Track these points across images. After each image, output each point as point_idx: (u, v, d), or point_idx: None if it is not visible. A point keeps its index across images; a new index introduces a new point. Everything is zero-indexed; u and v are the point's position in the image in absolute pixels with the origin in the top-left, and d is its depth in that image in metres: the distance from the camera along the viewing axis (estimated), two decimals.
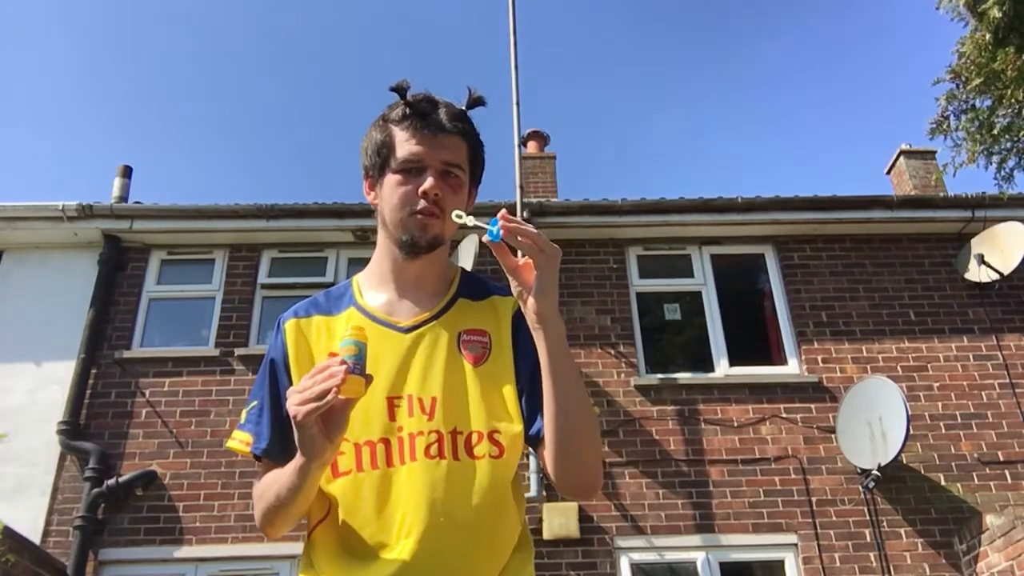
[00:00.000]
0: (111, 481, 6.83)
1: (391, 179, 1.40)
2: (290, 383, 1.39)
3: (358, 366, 1.17)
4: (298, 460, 1.22)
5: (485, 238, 1.24)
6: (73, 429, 7.11)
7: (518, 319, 1.45)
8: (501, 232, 1.22)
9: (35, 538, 6.55)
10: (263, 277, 8.00)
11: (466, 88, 1.46)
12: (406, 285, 1.46)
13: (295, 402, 1.15)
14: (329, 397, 1.12)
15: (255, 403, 1.44)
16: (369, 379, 1.19)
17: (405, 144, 1.38)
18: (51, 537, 6.77)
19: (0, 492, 6.88)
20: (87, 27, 28.81)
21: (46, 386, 7.38)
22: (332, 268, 8.00)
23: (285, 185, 34.93)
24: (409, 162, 1.38)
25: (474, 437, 1.36)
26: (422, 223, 1.38)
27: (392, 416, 1.35)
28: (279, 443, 1.39)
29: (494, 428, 1.37)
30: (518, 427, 1.38)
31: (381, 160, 1.42)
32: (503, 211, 1.24)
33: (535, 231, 1.25)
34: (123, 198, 8.72)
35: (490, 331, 1.45)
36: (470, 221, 1.33)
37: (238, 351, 7.52)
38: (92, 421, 7.24)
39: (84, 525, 6.67)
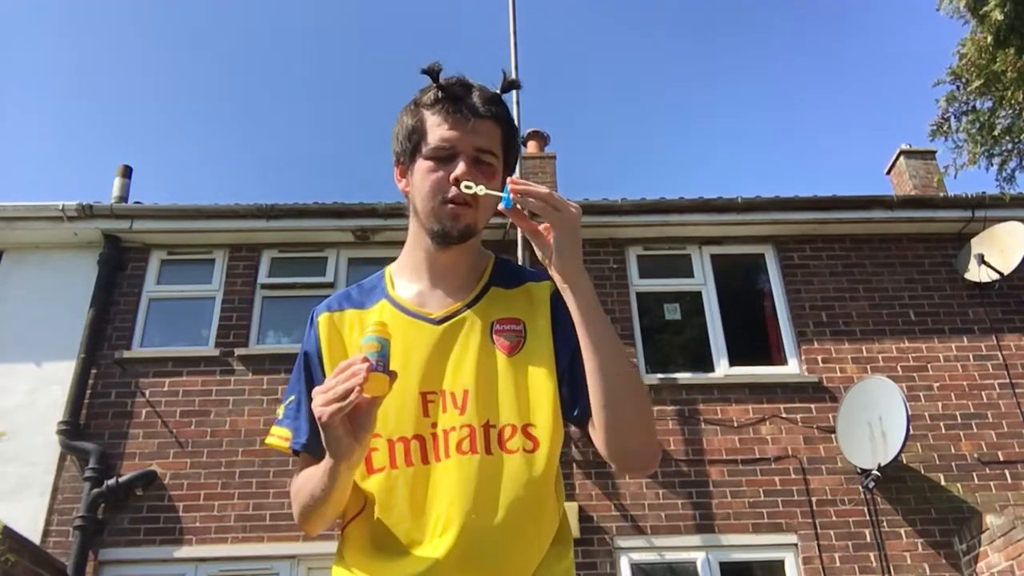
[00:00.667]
0: (111, 481, 6.83)
1: (422, 165, 1.36)
2: (324, 377, 1.33)
3: (381, 363, 1.14)
4: (327, 461, 1.21)
5: (500, 206, 1.25)
6: (73, 429, 7.11)
7: (556, 302, 1.40)
8: (512, 197, 1.21)
9: (35, 538, 6.55)
10: (263, 277, 8.00)
11: (500, 72, 1.42)
12: (438, 275, 1.42)
13: (319, 403, 1.14)
14: (352, 396, 1.11)
15: (292, 398, 1.42)
16: (393, 376, 1.16)
17: (437, 129, 1.34)
18: (51, 537, 6.77)
19: (0, 492, 6.88)
20: (87, 27, 28.81)
21: (46, 386, 7.38)
22: (332, 268, 8.00)
23: (285, 185, 34.93)
24: (441, 148, 1.34)
25: (507, 431, 1.33)
26: (454, 212, 1.34)
27: (426, 411, 1.33)
28: (318, 438, 1.32)
29: (528, 422, 1.34)
30: (556, 419, 1.35)
31: (412, 146, 1.38)
32: (512, 176, 1.26)
33: (546, 191, 1.22)
34: (123, 198, 8.72)
35: (524, 319, 1.41)
36: (480, 190, 1.30)
37: (238, 351, 7.52)
38: (92, 421, 7.24)
39: (84, 525, 6.67)
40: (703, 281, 8.08)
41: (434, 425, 1.33)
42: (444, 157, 1.34)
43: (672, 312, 8.11)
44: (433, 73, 1.36)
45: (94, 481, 6.84)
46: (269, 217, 7.95)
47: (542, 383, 1.36)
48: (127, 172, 8.92)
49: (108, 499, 6.84)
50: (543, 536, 1.35)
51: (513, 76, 1.42)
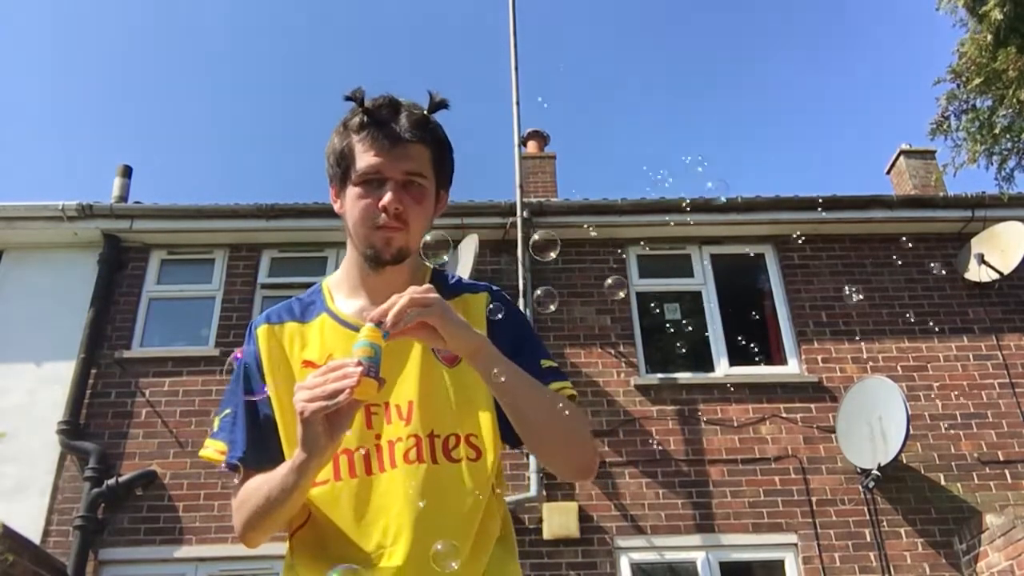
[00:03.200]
0: (111, 481, 6.83)
1: (352, 192, 1.37)
2: (263, 389, 1.39)
3: (373, 369, 1.14)
4: (297, 458, 1.20)
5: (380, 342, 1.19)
6: (73, 429, 7.11)
7: (492, 314, 1.44)
8: (386, 331, 1.18)
9: (35, 538, 6.54)
10: (263, 277, 8.00)
11: (427, 92, 1.41)
12: (376, 292, 1.40)
13: (303, 398, 1.14)
14: (341, 397, 1.11)
15: (228, 411, 1.41)
16: (382, 383, 1.16)
17: (364, 155, 1.35)
18: (51, 537, 6.77)
19: (0, 492, 6.88)
20: (87, 27, 28.80)
21: (46, 386, 7.38)
22: (332, 268, 7.98)
23: (285, 185, 34.92)
24: (368, 174, 1.35)
25: (451, 440, 1.36)
26: (385, 237, 1.35)
27: (369, 424, 1.35)
28: (255, 451, 1.37)
29: (471, 432, 1.37)
30: (494, 428, 1.38)
31: (342, 171, 1.39)
32: (369, 320, 1.19)
33: (403, 301, 1.18)
34: (123, 198, 8.73)
35: None
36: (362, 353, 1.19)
37: (238, 351, 7.51)
38: (92, 421, 7.24)
39: (84, 525, 6.66)
40: (703, 281, 8.08)
41: (378, 437, 1.34)
42: (373, 182, 1.35)
43: (672, 312, 8.10)
44: (357, 99, 1.36)
45: (94, 481, 6.83)
46: (269, 217, 7.95)
47: (482, 394, 1.38)
48: (127, 172, 8.92)
49: (108, 499, 6.83)
50: (490, 536, 1.39)
51: (440, 96, 1.40)
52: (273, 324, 1.44)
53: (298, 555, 1.40)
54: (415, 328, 1.19)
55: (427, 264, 1.47)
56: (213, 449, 1.40)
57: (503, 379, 1.25)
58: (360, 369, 1.11)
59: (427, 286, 1.23)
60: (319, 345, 1.41)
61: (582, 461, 1.39)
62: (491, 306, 1.44)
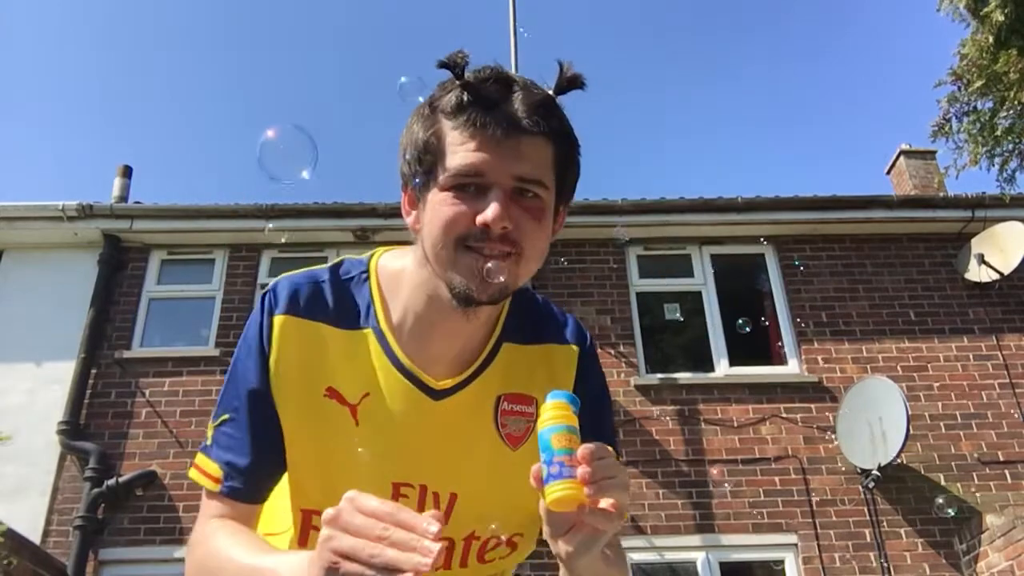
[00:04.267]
0: (111, 481, 6.82)
1: (438, 199, 0.98)
2: (270, 399, 1.06)
3: (563, 471, 0.85)
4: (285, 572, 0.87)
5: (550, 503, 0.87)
6: (73, 429, 7.10)
7: (581, 375, 1.14)
8: (587, 492, 0.85)
9: (35, 538, 6.54)
10: (263, 277, 7.99)
11: (556, 63, 1.02)
12: (446, 335, 1.07)
13: (342, 549, 0.76)
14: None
15: (226, 417, 1.08)
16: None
17: (460, 149, 0.97)
18: (51, 537, 6.77)
19: (0, 492, 6.87)
20: (87, 26, 28.79)
21: (46, 386, 7.37)
22: None
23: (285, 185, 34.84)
24: (465, 175, 0.96)
25: (491, 542, 1.12)
26: (483, 268, 0.96)
27: None
28: (256, 484, 1.07)
29: (517, 531, 1.12)
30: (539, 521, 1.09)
31: (424, 169, 1.00)
32: (585, 450, 0.87)
33: (615, 470, 0.87)
34: (123, 198, 8.72)
35: (538, 397, 1.06)
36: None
37: None
38: (92, 421, 7.24)
39: (84, 525, 6.66)
40: (703, 281, 8.08)
41: None
42: (469, 188, 0.97)
43: (672, 312, 8.10)
44: (456, 67, 0.97)
45: (94, 481, 6.83)
46: (269, 217, 7.95)
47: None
48: (127, 172, 8.92)
49: (108, 499, 6.83)
50: None
51: (573, 70, 1.02)
52: (301, 318, 1.07)
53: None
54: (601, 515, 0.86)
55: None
56: (202, 471, 1.08)
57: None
58: (438, 547, 0.75)
59: (612, 459, 0.89)
60: (355, 374, 1.06)
61: None
62: (579, 372, 1.13)
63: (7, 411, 7.23)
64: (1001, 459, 7.14)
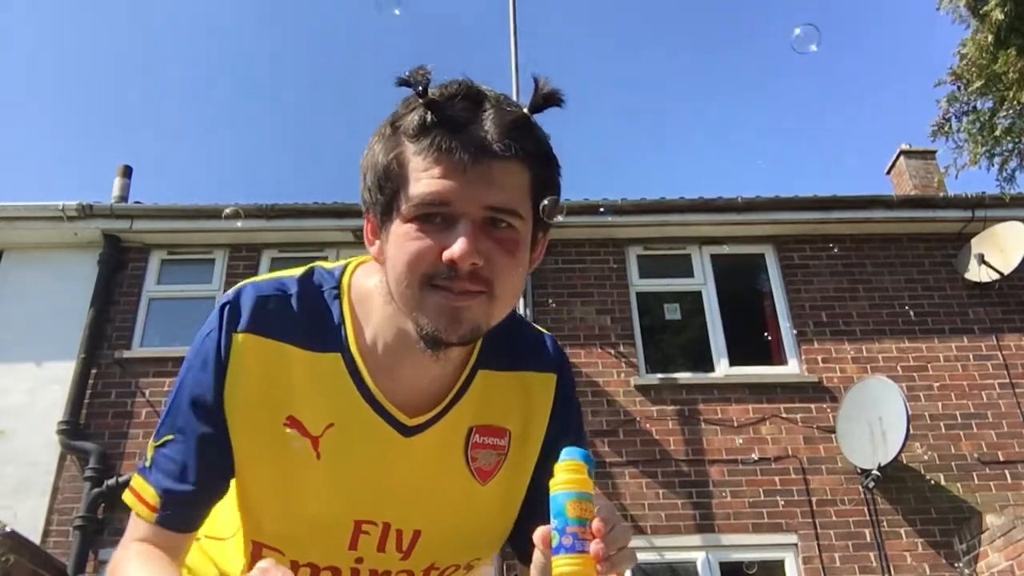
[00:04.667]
0: (111, 481, 6.83)
1: (401, 231, 0.89)
2: (222, 423, 0.97)
3: (577, 545, 0.82)
4: None
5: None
6: (73, 429, 7.10)
7: (558, 406, 1.08)
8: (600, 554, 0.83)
9: (35, 538, 6.54)
10: None
11: (531, 78, 0.92)
12: (417, 368, 0.98)
13: None
14: None
15: (170, 437, 0.98)
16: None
17: (423, 176, 0.87)
18: (51, 537, 6.76)
19: (0, 492, 6.88)
20: (87, 27, 28.81)
21: (46, 386, 7.38)
22: None
23: (285, 185, 34.92)
24: (430, 205, 0.87)
25: (449, 570, 1.08)
26: (451, 308, 0.88)
27: (354, 544, 1.01)
28: (194, 513, 1.00)
29: (477, 556, 1.10)
30: (502, 540, 1.10)
31: (386, 197, 0.91)
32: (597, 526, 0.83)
33: (624, 533, 0.85)
34: (123, 198, 8.72)
35: (512, 428, 1.05)
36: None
37: None
38: (92, 421, 7.24)
39: (84, 525, 6.66)
40: (703, 281, 8.08)
41: (359, 560, 1.03)
42: (435, 219, 0.88)
43: (672, 312, 8.10)
44: (418, 85, 0.87)
45: (94, 481, 6.83)
46: (269, 217, 7.95)
47: (508, 514, 1.07)
48: (127, 172, 8.92)
49: (108, 499, 6.83)
50: None
51: (551, 86, 0.92)
52: (264, 337, 0.96)
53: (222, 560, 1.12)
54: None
55: None
56: (138, 496, 1.00)
57: None
58: None
59: (622, 524, 0.86)
60: (319, 403, 0.98)
61: None
62: (556, 404, 1.08)
63: (7, 411, 7.23)
64: (1001, 459, 7.14)
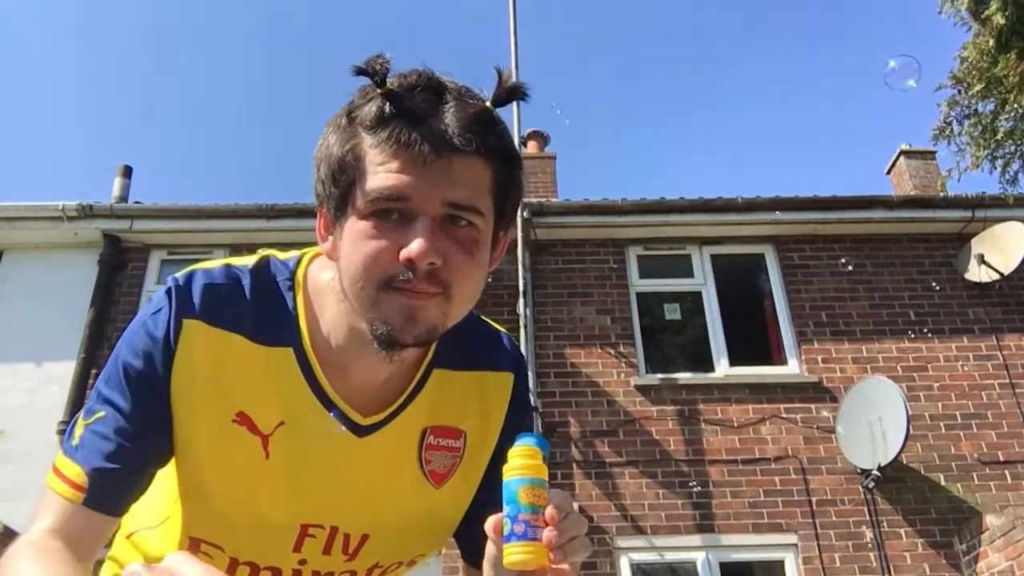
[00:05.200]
0: None
1: (356, 228, 0.86)
2: (165, 408, 0.92)
3: (530, 533, 0.81)
4: None
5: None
6: None
7: (514, 405, 1.07)
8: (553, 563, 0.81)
9: None
10: None
11: (494, 70, 0.89)
12: (370, 368, 0.95)
13: None
14: None
15: (102, 414, 0.91)
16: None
17: (380, 170, 0.83)
18: None
19: (0, 492, 6.88)
20: (87, 27, 28.77)
21: (46, 386, 7.38)
22: None
23: (285, 185, 34.92)
24: (387, 200, 0.83)
25: (393, 567, 1.06)
26: (408, 308, 0.84)
27: (299, 546, 0.98)
28: (121, 495, 0.92)
29: (421, 553, 1.08)
30: (448, 536, 1.08)
31: (340, 191, 0.87)
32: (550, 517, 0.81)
33: (577, 522, 0.83)
34: (123, 198, 8.72)
35: (467, 430, 1.03)
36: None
37: None
38: None
39: None
40: (703, 281, 8.08)
41: (302, 562, 1.00)
42: (391, 216, 0.84)
43: (672, 312, 8.11)
44: (376, 75, 0.83)
45: None
46: (269, 217, 7.95)
47: (456, 513, 1.05)
48: (127, 172, 8.92)
49: None
50: None
51: (514, 77, 0.89)
52: (215, 327, 0.92)
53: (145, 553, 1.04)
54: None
55: None
56: (64, 477, 0.90)
57: None
58: None
59: (575, 513, 0.84)
60: (269, 399, 0.94)
61: None
62: (512, 406, 1.07)
63: (7, 411, 7.23)
64: (1001, 459, 7.15)
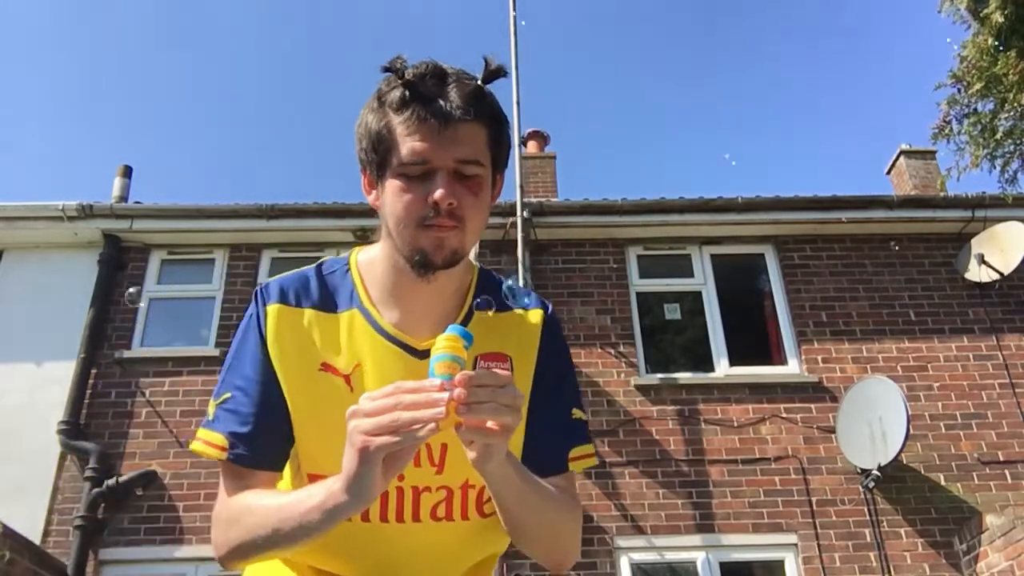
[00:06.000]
0: (111, 481, 6.82)
1: (393, 184, 1.14)
2: (274, 377, 1.18)
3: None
4: (332, 498, 0.99)
5: (464, 356, 0.99)
6: (73, 429, 7.10)
7: (546, 335, 1.27)
8: (460, 417, 0.94)
9: (35, 538, 6.54)
10: (263, 277, 7.98)
11: (481, 59, 1.16)
12: (420, 301, 1.21)
13: (366, 429, 0.92)
14: (423, 433, 0.90)
15: (228, 395, 1.18)
16: None
17: (407, 140, 1.11)
18: (51, 537, 6.77)
19: (0, 492, 6.88)
20: (87, 27, 28.79)
21: (46, 386, 7.37)
22: None
23: (285, 185, 34.92)
24: (414, 163, 1.11)
25: (486, 492, 1.18)
26: (436, 239, 1.12)
27: None
28: (264, 450, 1.16)
29: None
30: None
31: (379, 158, 1.15)
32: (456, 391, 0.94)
33: (495, 389, 0.96)
34: (123, 198, 8.72)
35: (511, 354, 1.23)
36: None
37: None
38: (92, 421, 7.24)
39: (84, 525, 6.66)
40: (703, 281, 8.08)
41: (401, 478, 1.17)
42: (418, 175, 1.12)
43: (672, 312, 8.11)
44: (397, 71, 1.13)
45: (94, 481, 6.83)
46: (269, 217, 7.95)
47: (520, 433, 1.20)
48: (127, 172, 8.91)
49: (108, 499, 6.83)
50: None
51: (497, 62, 1.16)
52: (289, 306, 1.21)
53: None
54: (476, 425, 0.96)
55: (474, 263, 1.29)
56: (207, 442, 1.16)
57: (508, 493, 1.09)
58: (446, 395, 0.90)
59: (508, 375, 0.99)
60: (346, 348, 1.20)
61: (558, 560, 1.22)
62: (545, 333, 1.27)
63: (7, 411, 7.24)
64: (1001, 459, 7.15)
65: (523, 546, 1.21)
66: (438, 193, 1.10)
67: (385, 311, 1.22)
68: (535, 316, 1.29)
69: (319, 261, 1.29)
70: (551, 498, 1.17)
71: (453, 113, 1.11)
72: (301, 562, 1.25)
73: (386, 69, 1.13)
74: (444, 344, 0.97)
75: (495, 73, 1.16)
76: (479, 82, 1.16)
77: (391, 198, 1.14)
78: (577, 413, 1.28)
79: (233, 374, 1.20)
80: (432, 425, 0.91)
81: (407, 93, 1.11)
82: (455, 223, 1.12)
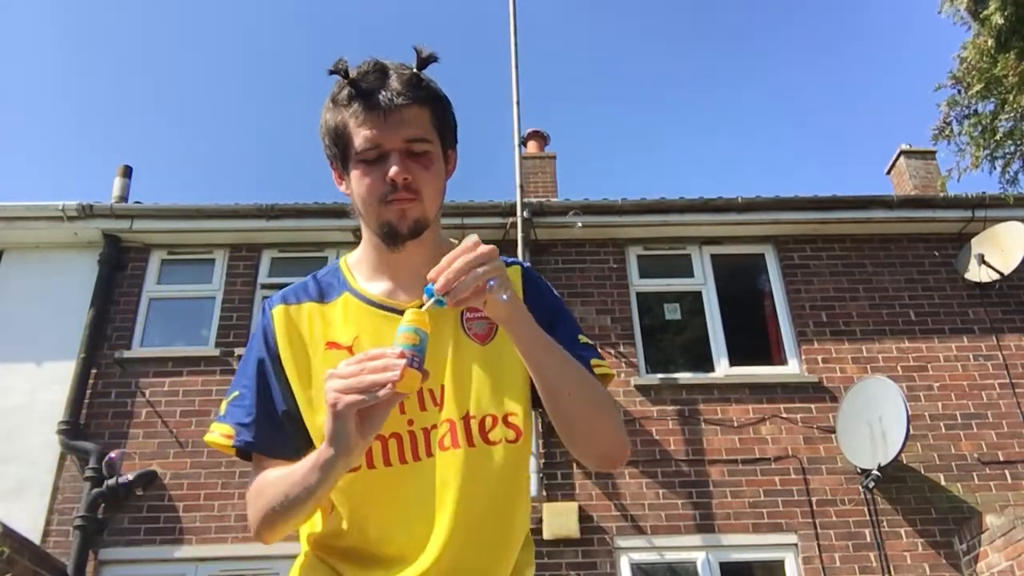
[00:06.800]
0: (111, 481, 6.83)
1: (355, 172, 1.27)
2: (281, 373, 1.31)
3: (417, 359, 1.05)
4: (322, 454, 1.11)
5: (427, 306, 1.10)
6: (73, 429, 7.11)
7: (526, 286, 1.39)
8: (442, 297, 1.09)
9: (35, 538, 6.54)
10: (263, 277, 8.00)
11: (412, 49, 1.29)
12: (399, 272, 1.34)
13: (336, 388, 1.05)
14: (381, 392, 1.03)
15: (237, 393, 1.33)
16: (426, 375, 1.08)
17: (359, 130, 1.24)
18: (51, 537, 6.77)
19: (0, 492, 6.88)
20: (87, 27, 28.79)
21: (46, 386, 7.38)
22: None
23: (285, 185, 34.92)
24: (367, 150, 1.24)
25: (488, 421, 1.29)
26: (399, 211, 1.26)
27: (402, 408, 1.26)
28: (268, 436, 1.29)
29: (508, 411, 1.30)
30: (529, 408, 1.32)
31: (340, 150, 1.29)
32: (428, 278, 1.11)
33: (458, 261, 1.10)
34: (123, 198, 8.72)
35: None
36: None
37: (238, 351, 7.51)
38: (92, 421, 7.24)
39: (84, 525, 6.67)
40: (703, 281, 8.08)
41: (411, 423, 1.28)
42: (374, 159, 1.25)
43: (672, 312, 8.11)
44: (340, 71, 1.26)
45: (94, 481, 6.83)
46: (269, 217, 7.95)
47: (517, 371, 1.31)
48: (127, 172, 8.91)
49: (108, 499, 6.83)
50: (520, 531, 1.34)
51: (428, 51, 1.28)
52: (290, 304, 1.36)
53: (322, 550, 1.33)
54: (474, 293, 1.10)
55: (451, 241, 1.35)
56: (219, 433, 1.31)
57: (536, 341, 1.20)
58: (403, 361, 1.03)
59: (475, 239, 1.12)
60: (344, 325, 1.33)
61: (610, 446, 1.28)
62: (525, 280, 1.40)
63: (7, 411, 7.24)
64: (1001, 459, 7.15)
65: (573, 436, 1.27)
66: (392, 171, 1.23)
67: (373, 286, 1.36)
68: (514, 273, 1.40)
69: (314, 272, 1.45)
70: (590, 376, 1.28)
71: (395, 100, 1.23)
72: (344, 566, 1.32)
73: (332, 72, 1.27)
74: (409, 318, 1.08)
75: (427, 60, 1.28)
76: (415, 70, 1.28)
77: (356, 184, 1.28)
78: (583, 339, 1.36)
79: (241, 375, 1.35)
80: (389, 387, 1.02)
81: (352, 90, 1.25)
82: (412, 195, 1.26)
